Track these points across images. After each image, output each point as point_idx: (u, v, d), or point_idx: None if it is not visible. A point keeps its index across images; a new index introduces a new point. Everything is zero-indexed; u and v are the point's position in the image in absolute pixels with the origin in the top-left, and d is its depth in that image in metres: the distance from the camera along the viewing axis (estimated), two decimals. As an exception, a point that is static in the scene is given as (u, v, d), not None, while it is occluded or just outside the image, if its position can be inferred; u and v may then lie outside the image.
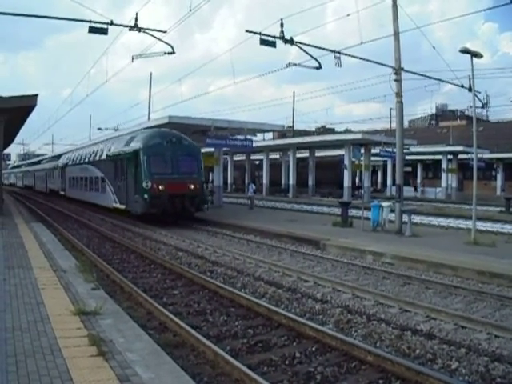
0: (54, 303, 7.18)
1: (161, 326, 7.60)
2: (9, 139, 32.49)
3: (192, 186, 21.26)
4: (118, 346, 5.44)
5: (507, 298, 9.12)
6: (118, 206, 24.20)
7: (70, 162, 38.49)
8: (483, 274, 10.75)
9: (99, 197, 28.15)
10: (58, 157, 49.42)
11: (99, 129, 53.11)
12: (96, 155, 29.52)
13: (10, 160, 59.98)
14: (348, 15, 18.20)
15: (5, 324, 6.08)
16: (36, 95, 19.52)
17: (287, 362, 6.27)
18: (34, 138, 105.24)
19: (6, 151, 37.55)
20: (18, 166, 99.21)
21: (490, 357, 6.31)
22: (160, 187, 20.44)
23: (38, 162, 71.62)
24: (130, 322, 6.56)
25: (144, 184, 20.41)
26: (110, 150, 26.45)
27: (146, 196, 20.30)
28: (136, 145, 22.14)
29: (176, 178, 21.14)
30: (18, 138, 60.93)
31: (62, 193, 41.49)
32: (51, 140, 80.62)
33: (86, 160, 32.04)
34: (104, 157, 26.97)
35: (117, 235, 18.27)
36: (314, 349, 6.72)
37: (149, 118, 38.03)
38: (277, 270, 11.72)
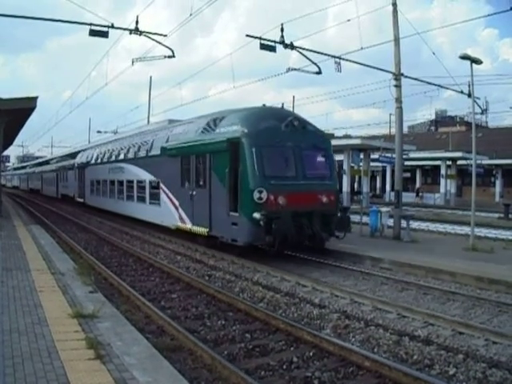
0: (52, 306, 7.17)
1: (158, 330, 7.60)
2: (8, 141, 32.44)
3: (325, 199, 13.80)
4: (116, 349, 5.43)
5: (505, 304, 9.12)
6: (188, 226, 15.85)
7: (93, 161, 30.35)
8: (481, 280, 10.75)
9: (148, 210, 20.05)
10: (73, 155, 40.69)
11: (99, 132, 53.15)
12: (139, 150, 21.60)
13: (9, 162, 59.99)
14: (348, 20, 18.26)
15: (2, 326, 6.07)
16: (36, 97, 19.53)
17: (284, 367, 6.27)
18: (34, 140, 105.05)
19: (6, 153, 37.52)
20: (23, 167, 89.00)
21: (487, 363, 6.31)
22: (280, 201, 12.84)
23: (47, 162, 61.43)
24: (128, 326, 6.55)
25: (254, 195, 12.62)
26: (166, 140, 18.30)
27: (256, 216, 12.36)
28: (233, 130, 13.81)
29: (302, 186, 13.56)
30: (18, 140, 60.13)
31: (80, 200, 33.07)
32: (51, 142, 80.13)
33: (121, 157, 24.37)
34: (156, 151, 19.07)
35: (115, 238, 18.26)
36: (311, 354, 6.72)
37: (148, 122, 38.05)
38: (275, 274, 11.71)
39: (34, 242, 14.35)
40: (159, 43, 17.78)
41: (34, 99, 19.51)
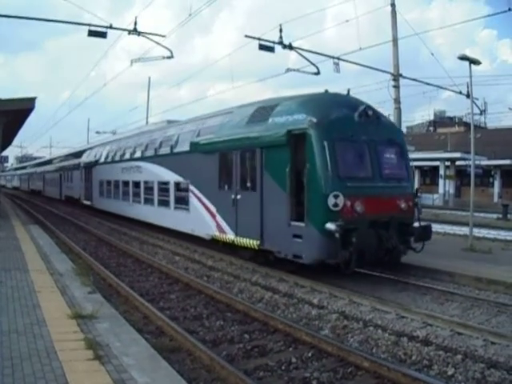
0: (51, 306, 7.17)
1: (157, 331, 7.60)
2: (7, 141, 32.40)
3: (403, 204, 11.46)
4: (115, 349, 5.44)
5: (504, 304, 9.14)
6: (229, 237, 13.12)
7: (102, 160, 27.45)
8: (480, 280, 10.77)
9: (173, 217, 17.33)
10: (79, 154, 37.16)
11: (97, 132, 53.09)
12: (161, 147, 18.73)
13: (7, 162, 59.89)
14: (347, 21, 18.31)
15: (1, 327, 6.07)
16: (34, 98, 19.55)
17: (283, 368, 6.27)
18: (32, 141, 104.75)
19: (4, 153, 37.49)
20: (24, 167, 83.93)
21: (486, 363, 6.31)
22: (357, 207, 10.55)
23: (49, 162, 57.03)
24: (127, 326, 6.56)
25: (329, 201, 10.22)
26: (197, 134, 15.65)
27: (330, 226, 10.00)
28: (295, 119, 11.29)
29: (380, 189, 11.25)
30: (16, 141, 59.66)
31: (87, 202, 30.35)
32: (49, 143, 79.98)
33: (137, 155, 21.42)
34: (184, 147, 16.32)
35: (114, 239, 18.25)
36: (310, 354, 6.72)
37: (147, 122, 38.05)
38: (273, 275, 11.70)
39: (32, 243, 14.35)
40: (158, 44, 17.84)
41: (32, 100, 19.52)
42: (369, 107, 11.75)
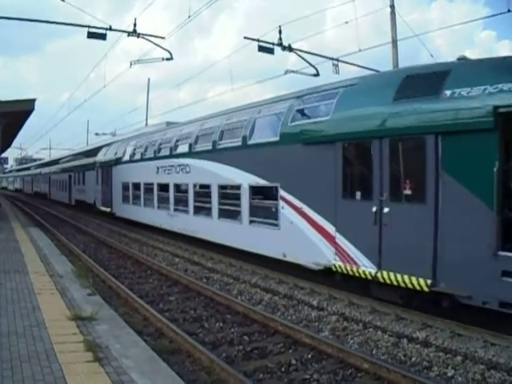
0: (50, 308, 7.17)
1: (157, 333, 7.60)
2: (6, 143, 32.44)
3: None
4: (114, 351, 5.43)
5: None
6: (365, 270, 8.99)
7: (126, 157, 22.56)
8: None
9: (248, 235, 12.75)
10: (92, 152, 33.16)
11: (97, 134, 53.00)
12: (222, 138, 14.17)
13: (7, 164, 59.84)
14: (346, 22, 18.31)
15: (0, 329, 6.06)
16: (34, 100, 19.56)
17: (283, 369, 6.27)
18: (32, 143, 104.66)
19: (4, 155, 37.51)
20: (27, 168, 79.27)
21: (486, 365, 6.30)
22: None
23: (56, 162, 52.69)
24: (126, 328, 6.55)
25: None
26: (291, 119, 11.28)
27: None
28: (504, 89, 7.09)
29: None
30: (16, 142, 59.18)
31: (105, 209, 25.61)
32: (49, 144, 79.80)
33: (183, 150, 16.63)
34: (267, 137, 12.18)
35: (113, 241, 18.23)
36: (309, 356, 6.72)
37: (146, 124, 38.07)
38: (273, 276, 11.70)
39: (32, 245, 14.33)
40: (157, 45, 17.86)
41: (32, 101, 19.53)
42: None
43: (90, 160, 30.98)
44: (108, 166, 25.26)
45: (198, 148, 15.52)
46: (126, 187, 22.50)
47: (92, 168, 29.14)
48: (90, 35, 15.96)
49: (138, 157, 21.17)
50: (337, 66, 18.30)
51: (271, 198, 11.96)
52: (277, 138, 11.55)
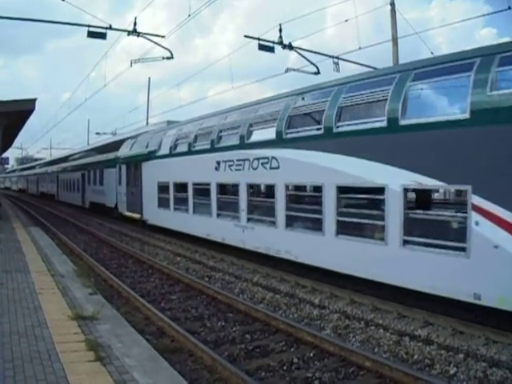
0: (52, 308, 7.17)
1: (159, 332, 7.60)
2: (7, 143, 32.41)
3: None
4: (116, 351, 5.43)
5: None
6: None
7: (165, 150, 18.01)
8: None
9: (402, 261, 8.49)
10: (111, 146, 28.63)
11: (97, 133, 52.96)
12: (340, 118, 9.98)
13: (8, 164, 59.78)
14: (346, 20, 18.27)
15: (2, 328, 6.07)
16: (34, 99, 19.54)
17: (285, 368, 6.26)
18: (33, 142, 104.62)
19: (4, 155, 37.50)
20: (32, 167, 72.90)
21: (488, 362, 6.30)
22: None
23: (65, 159, 48.13)
24: (128, 327, 6.55)
25: None
26: (491, 86, 7.20)
27: None
28: None
29: None
30: (17, 142, 58.66)
31: (134, 215, 21.21)
32: (49, 144, 79.72)
33: (264, 137, 12.35)
34: (452, 114, 7.86)
35: (115, 240, 18.24)
36: (311, 354, 6.72)
37: (147, 123, 38.04)
38: (275, 275, 11.69)
39: (33, 244, 14.34)
40: (157, 44, 17.86)
41: (32, 101, 19.51)
42: None
43: (110, 155, 26.27)
44: (136, 162, 20.66)
45: (295, 134, 11.22)
46: (163, 188, 17.98)
47: (112, 165, 24.83)
48: (90, 34, 15.96)
49: (182, 149, 16.61)
50: (337, 63, 18.29)
51: (449, 208, 8.88)
52: (466, 115, 7.51)
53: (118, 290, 10.27)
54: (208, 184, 14.62)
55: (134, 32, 16.76)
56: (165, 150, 17.95)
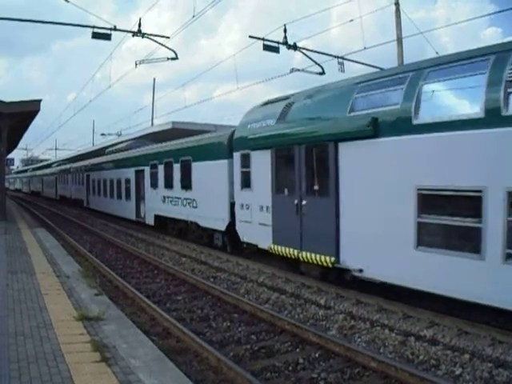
0: (57, 308, 7.18)
1: (164, 332, 7.60)
2: (12, 144, 32.58)
3: None
4: (121, 351, 5.43)
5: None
6: None
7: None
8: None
9: None
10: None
11: (102, 134, 52.95)
12: None
13: (13, 165, 59.91)
14: (351, 20, 18.24)
15: (7, 329, 6.08)
16: (39, 100, 19.62)
17: (290, 368, 6.26)
18: (38, 143, 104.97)
19: (10, 156, 37.62)
20: (48, 165, 60.49)
21: (494, 363, 6.26)
22: None
23: (99, 152, 33.28)
24: (133, 328, 6.55)
25: None
26: None
27: None
28: None
29: None
30: (22, 143, 58.36)
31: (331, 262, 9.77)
32: (55, 145, 79.76)
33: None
34: None
35: (120, 241, 18.27)
36: (317, 355, 6.70)
37: (152, 124, 38.10)
38: (280, 275, 11.68)
39: (38, 245, 14.38)
40: (162, 45, 17.85)
41: (37, 102, 19.60)
42: None
43: (208, 139, 15.74)
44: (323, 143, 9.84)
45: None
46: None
47: (211, 155, 15.00)
48: (95, 35, 16.00)
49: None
50: (342, 64, 18.26)
51: None
52: None
53: (124, 290, 10.28)
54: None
55: (139, 33, 16.77)
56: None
